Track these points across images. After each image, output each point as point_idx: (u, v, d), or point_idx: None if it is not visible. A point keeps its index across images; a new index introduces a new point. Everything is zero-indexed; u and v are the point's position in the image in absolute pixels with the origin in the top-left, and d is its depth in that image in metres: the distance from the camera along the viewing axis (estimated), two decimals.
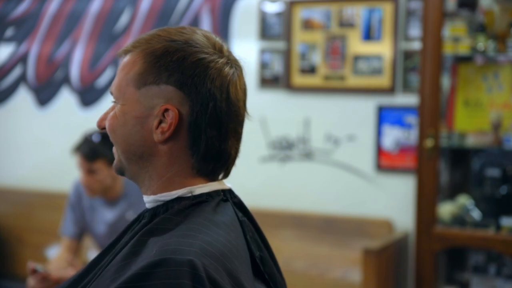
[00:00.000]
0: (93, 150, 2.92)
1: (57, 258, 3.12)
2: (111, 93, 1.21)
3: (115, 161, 1.23)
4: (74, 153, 2.99)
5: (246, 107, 1.22)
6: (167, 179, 1.18)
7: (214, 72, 1.15)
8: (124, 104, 1.18)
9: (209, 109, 1.14)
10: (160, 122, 1.15)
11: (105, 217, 3.09)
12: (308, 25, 3.89)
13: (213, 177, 1.20)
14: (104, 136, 2.98)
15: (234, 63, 1.20)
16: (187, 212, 1.14)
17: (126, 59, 1.19)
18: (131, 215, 2.96)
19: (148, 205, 1.20)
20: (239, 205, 1.24)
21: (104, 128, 1.21)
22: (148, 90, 1.16)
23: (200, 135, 1.15)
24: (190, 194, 1.17)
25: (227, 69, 1.17)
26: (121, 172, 1.23)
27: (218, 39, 1.20)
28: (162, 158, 1.17)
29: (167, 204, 1.17)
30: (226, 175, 1.23)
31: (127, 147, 1.18)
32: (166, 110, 1.14)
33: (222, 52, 1.18)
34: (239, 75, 1.20)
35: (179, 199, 1.17)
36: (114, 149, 1.22)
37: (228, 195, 1.22)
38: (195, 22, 4.17)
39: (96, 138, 2.95)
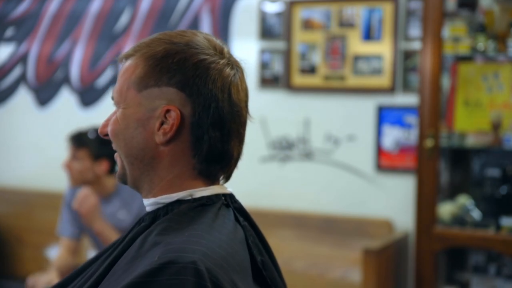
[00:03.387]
0: (79, 136, 3.04)
1: (57, 258, 3.12)
2: (112, 99, 1.21)
3: (118, 169, 1.22)
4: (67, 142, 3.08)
5: (248, 109, 1.22)
6: (168, 181, 1.17)
7: (215, 73, 1.15)
8: (125, 108, 1.17)
9: (211, 110, 1.14)
10: (162, 123, 1.15)
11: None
12: (308, 25, 3.89)
13: (214, 180, 1.20)
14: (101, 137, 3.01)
15: (235, 64, 1.20)
16: (189, 215, 1.14)
17: (127, 63, 1.19)
18: (123, 214, 2.95)
19: (148, 208, 1.20)
20: (240, 210, 1.23)
21: (107, 135, 1.21)
22: (149, 93, 1.16)
23: (202, 136, 1.15)
24: (190, 197, 1.17)
25: (228, 70, 1.17)
26: (123, 179, 1.22)
27: (218, 42, 1.21)
28: (164, 160, 1.17)
29: (167, 207, 1.17)
30: (227, 178, 1.22)
31: (129, 151, 1.18)
32: (168, 111, 1.14)
33: (223, 54, 1.19)
34: (240, 76, 1.20)
35: (179, 202, 1.17)
36: (116, 156, 1.22)
37: (229, 200, 1.22)
38: (195, 22, 4.17)
39: (91, 135, 3.01)
